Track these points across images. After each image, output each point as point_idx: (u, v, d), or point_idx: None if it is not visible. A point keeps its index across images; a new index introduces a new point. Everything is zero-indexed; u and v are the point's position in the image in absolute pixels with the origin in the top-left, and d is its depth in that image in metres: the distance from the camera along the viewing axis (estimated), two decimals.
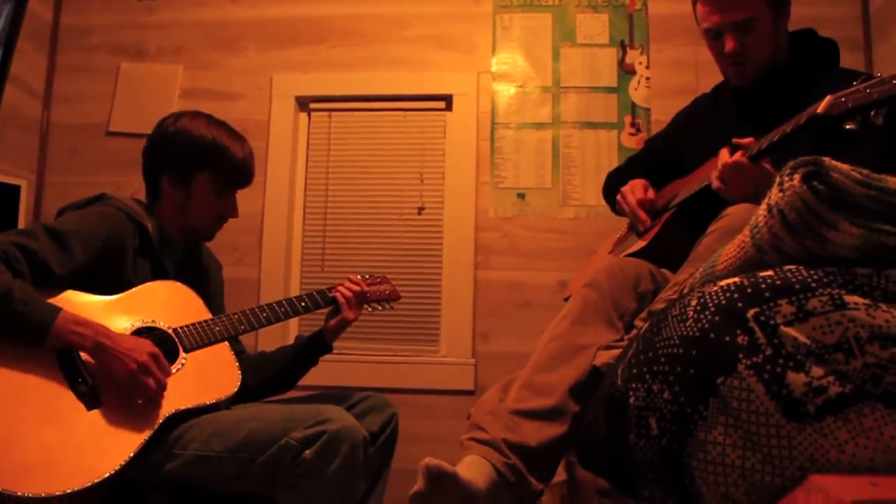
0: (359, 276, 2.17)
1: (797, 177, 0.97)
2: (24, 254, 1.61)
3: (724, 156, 1.68)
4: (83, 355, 1.63)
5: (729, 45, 1.86)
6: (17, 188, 3.03)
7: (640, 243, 2.03)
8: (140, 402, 1.63)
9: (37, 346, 1.57)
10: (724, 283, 1.00)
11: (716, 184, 1.71)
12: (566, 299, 1.82)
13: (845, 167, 0.97)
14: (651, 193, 2.11)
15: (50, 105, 3.35)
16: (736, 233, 1.42)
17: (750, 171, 1.64)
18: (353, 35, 3.30)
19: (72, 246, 1.69)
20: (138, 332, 1.74)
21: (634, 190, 2.12)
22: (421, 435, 2.82)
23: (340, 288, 2.09)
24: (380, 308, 2.23)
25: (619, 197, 2.16)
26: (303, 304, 2.03)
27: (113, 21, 3.40)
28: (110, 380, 1.62)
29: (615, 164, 3.02)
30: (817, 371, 0.88)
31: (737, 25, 1.85)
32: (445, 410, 3.01)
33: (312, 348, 2.11)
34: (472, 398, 3.00)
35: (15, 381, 1.54)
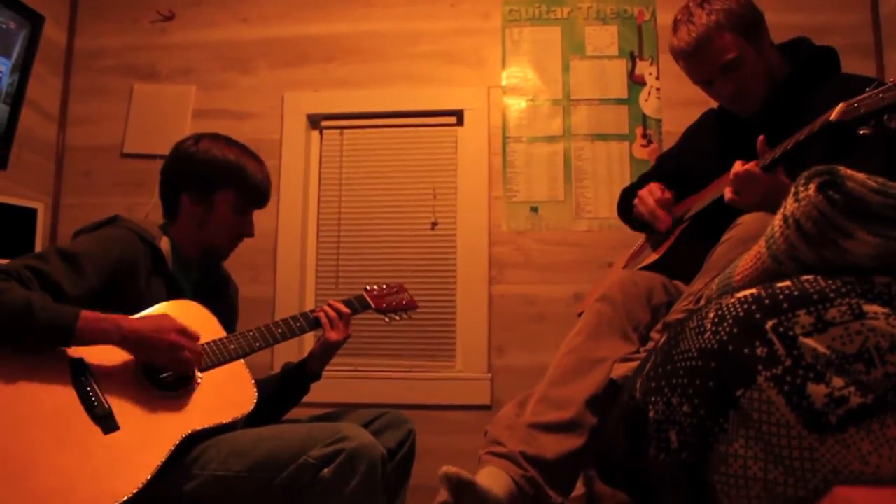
0: (368, 291, 2.18)
1: (812, 186, 0.96)
2: (36, 276, 1.62)
3: (738, 166, 1.68)
4: (99, 373, 1.63)
5: (725, 89, 1.87)
6: (34, 211, 3.05)
7: (654, 256, 2.02)
8: (158, 422, 1.63)
9: (64, 346, 1.60)
10: (741, 294, 1.00)
11: (728, 195, 1.70)
12: (580, 314, 1.82)
13: (861, 176, 0.97)
14: (668, 193, 2.09)
15: (65, 127, 3.38)
16: (749, 241, 1.42)
17: (762, 180, 1.63)
18: (362, 52, 3.32)
19: (84, 268, 1.70)
20: None
21: (652, 191, 2.11)
22: (438, 450, 2.80)
23: (324, 307, 2.08)
24: (397, 318, 2.23)
25: (636, 201, 2.15)
26: (298, 324, 2.03)
27: (125, 43, 3.43)
28: (129, 397, 1.63)
29: (627, 175, 3.02)
30: (838, 381, 0.87)
31: (722, 70, 1.84)
32: (462, 425, 3.00)
33: (298, 376, 2.11)
34: (488, 413, 2.99)
35: (31, 405, 1.54)
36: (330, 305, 2.07)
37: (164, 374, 1.70)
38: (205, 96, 3.35)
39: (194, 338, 1.72)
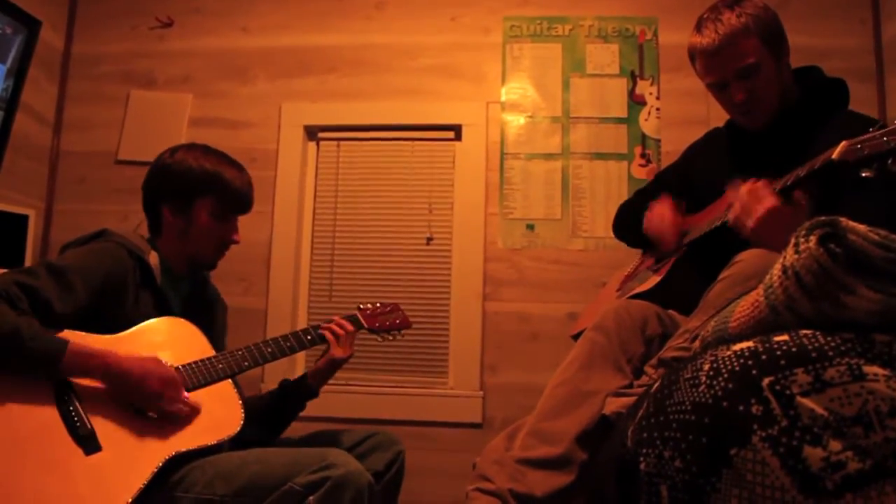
0: (361, 310, 2.16)
1: (813, 238, 0.94)
2: (25, 292, 1.60)
3: (748, 186, 1.63)
4: (82, 394, 1.61)
5: (737, 95, 1.84)
6: (25, 218, 3.02)
7: (649, 284, 2.00)
8: (141, 443, 1.61)
9: (49, 379, 1.58)
10: (737, 346, 0.97)
11: (732, 215, 1.66)
12: (573, 337, 1.80)
13: (863, 228, 0.95)
14: (679, 218, 2.07)
15: (60, 133, 3.36)
16: (748, 280, 1.40)
17: (769, 200, 1.58)
18: (362, 64, 3.30)
19: (73, 283, 1.68)
20: None
21: (663, 204, 2.11)
22: (428, 468, 2.79)
23: (332, 325, 2.06)
24: (390, 337, 2.21)
25: (648, 213, 2.13)
26: (309, 337, 2.01)
27: (123, 50, 3.41)
28: (112, 417, 1.60)
29: (625, 195, 3.00)
30: (835, 445, 0.85)
31: (740, 74, 1.82)
32: (453, 443, 2.98)
33: (296, 393, 2.09)
34: (479, 431, 2.97)
35: (12, 425, 1.51)
36: (337, 322, 2.07)
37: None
38: (202, 104, 3.33)
39: (177, 388, 1.69)
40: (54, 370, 1.57)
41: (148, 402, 1.65)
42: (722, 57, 1.83)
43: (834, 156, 1.42)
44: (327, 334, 2.04)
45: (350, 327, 2.07)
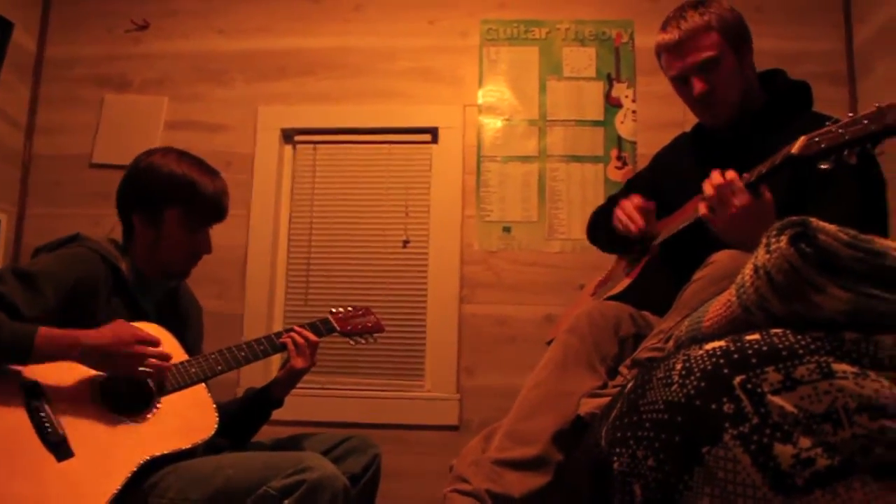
0: (334, 314, 2.15)
1: (784, 238, 0.95)
2: None
3: (717, 176, 1.62)
4: (52, 397, 1.60)
5: (696, 86, 1.88)
6: None
7: (622, 285, 2.01)
8: (114, 448, 1.60)
9: (22, 364, 1.58)
10: (709, 346, 0.98)
11: (703, 209, 1.66)
12: (549, 343, 1.80)
13: (833, 228, 0.96)
14: (651, 204, 2.07)
15: (32, 136, 3.32)
16: (721, 280, 1.41)
17: (742, 195, 1.57)
18: (339, 67, 3.29)
19: (41, 288, 1.66)
20: (110, 378, 1.70)
21: (632, 198, 2.10)
22: (405, 470, 2.79)
23: (292, 333, 2.03)
24: (363, 341, 2.19)
25: (616, 209, 2.12)
26: (262, 348, 1.98)
27: (98, 52, 3.38)
28: (84, 420, 1.60)
29: (601, 197, 3.01)
30: (805, 442, 0.86)
31: (700, 67, 1.86)
32: (430, 446, 2.98)
33: (260, 402, 2.07)
34: (456, 433, 2.97)
35: None
36: (297, 332, 2.03)
37: (123, 391, 1.67)
38: (177, 108, 3.31)
39: (153, 343, 1.70)
40: (27, 355, 1.55)
41: (128, 366, 1.64)
42: (682, 50, 1.88)
43: (793, 150, 1.45)
44: (288, 342, 2.01)
45: (313, 337, 2.03)
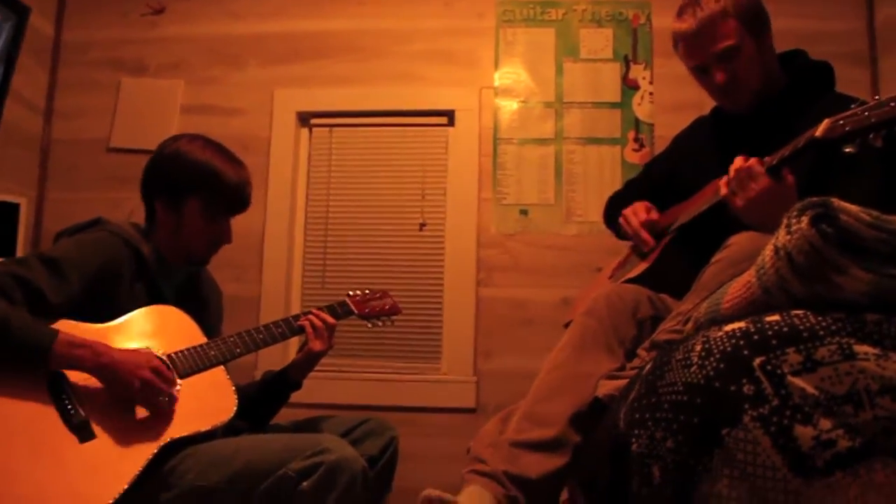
0: (351, 296, 2.16)
1: (805, 219, 0.94)
2: (18, 283, 1.60)
3: (739, 161, 1.63)
4: (75, 384, 1.61)
5: (718, 76, 1.84)
6: (16, 206, 3.01)
7: (640, 269, 2.00)
8: (135, 431, 1.61)
9: (38, 369, 1.57)
10: (729, 327, 0.97)
11: (724, 190, 1.66)
12: (566, 325, 1.80)
13: (855, 209, 0.94)
14: (654, 214, 2.08)
15: (51, 121, 3.34)
16: (741, 263, 1.40)
17: (762, 179, 1.57)
18: (354, 50, 3.28)
19: (66, 273, 1.68)
20: None
21: (637, 212, 2.09)
22: (422, 454, 2.79)
23: (309, 316, 2.03)
24: (380, 324, 2.20)
25: (621, 220, 2.14)
26: (280, 330, 1.98)
27: (114, 36, 3.39)
28: (105, 407, 1.60)
29: (618, 179, 3.00)
30: (825, 424, 0.85)
31: (720, 56, 1.83)
32: (446, 429, 2.99)
33: (278, 385, 2.07)
34: (473, 416, 2.97)
35: (5, 415, 1.52)
36: (315, 314, 2.03)
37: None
38: (193, 91, 3.31)
39: (169, 380, 1.69)
40: (43, 361, 1.56)
41: (138, 394, 1.64)
42: (701, 40, 1.84)
43: (817, 133, 1.42)
44: (306, 325, 2.01)
45: (330, 320, 2.04)
